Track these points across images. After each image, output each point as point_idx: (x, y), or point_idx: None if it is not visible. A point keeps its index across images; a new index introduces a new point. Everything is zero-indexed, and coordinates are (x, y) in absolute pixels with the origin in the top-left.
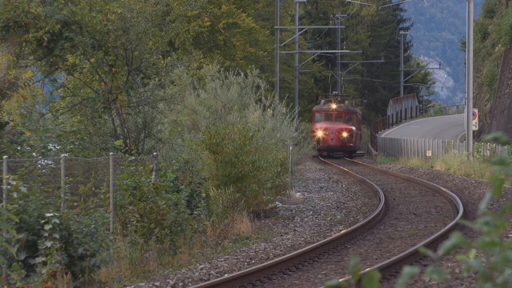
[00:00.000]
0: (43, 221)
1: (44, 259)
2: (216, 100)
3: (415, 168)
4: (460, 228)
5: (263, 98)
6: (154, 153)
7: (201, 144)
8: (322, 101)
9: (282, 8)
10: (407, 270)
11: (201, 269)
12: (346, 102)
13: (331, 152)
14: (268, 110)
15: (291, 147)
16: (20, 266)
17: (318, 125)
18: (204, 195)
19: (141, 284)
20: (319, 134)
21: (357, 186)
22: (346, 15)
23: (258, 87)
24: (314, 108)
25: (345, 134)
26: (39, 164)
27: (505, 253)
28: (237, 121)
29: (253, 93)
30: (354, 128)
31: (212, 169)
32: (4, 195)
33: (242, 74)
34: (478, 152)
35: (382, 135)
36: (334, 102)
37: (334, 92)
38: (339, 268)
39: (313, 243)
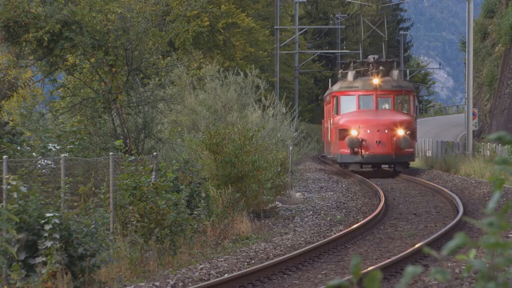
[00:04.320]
0: (43, 221)
1: (44, 259)
2: (216, 100)
3: (415, 168)
4: (460, 229)
5: (263, 98)
6: (154, 153)
7: (201, 144)
8: (350, 73)
9: (282, 8)
10: (410, 269)
11: (201, 269)
12: (395, 73)
13: (376, 166)
14: (269, 109)
15: (291, 147)
16: (20, 266)
17: (350, 119)
18: (204, 195)
19: (141, 284)
20: (353, 133)
21: (356, 186)
22: (346, 15)
23: (258, 87)
24: (336, 89)
25: (401, 132)
26: (39, 164)
27: (508, 253)
28: (236, 121)
29: (253, 93)
30: (413, 120)
31: (212, 169)
32: (4, 195)
33: (242, 74)
34: (478, 152)
35: None
36: (377, 74)
37: (372, 56)
38: (339, 268)
39: (313, 243)
